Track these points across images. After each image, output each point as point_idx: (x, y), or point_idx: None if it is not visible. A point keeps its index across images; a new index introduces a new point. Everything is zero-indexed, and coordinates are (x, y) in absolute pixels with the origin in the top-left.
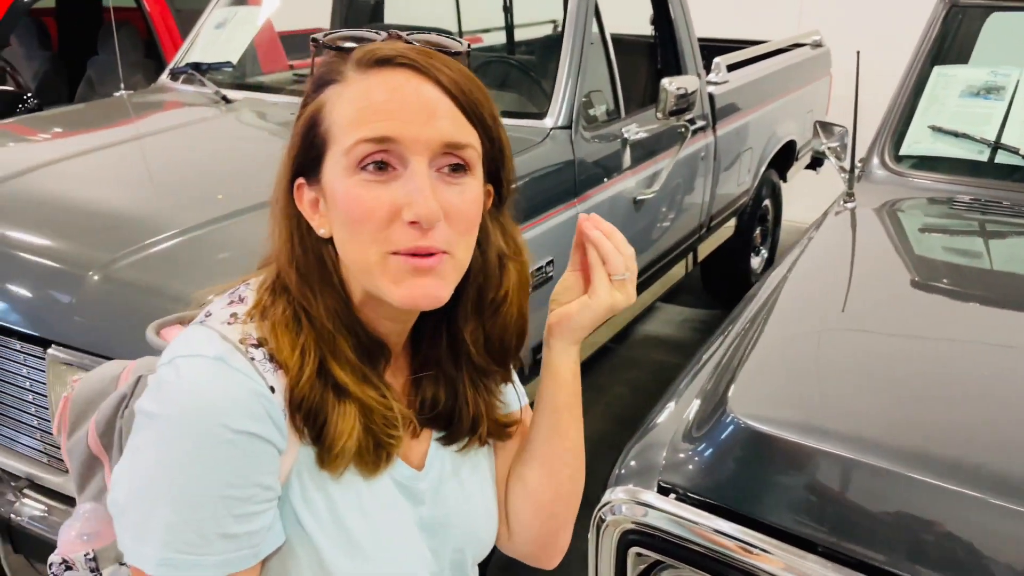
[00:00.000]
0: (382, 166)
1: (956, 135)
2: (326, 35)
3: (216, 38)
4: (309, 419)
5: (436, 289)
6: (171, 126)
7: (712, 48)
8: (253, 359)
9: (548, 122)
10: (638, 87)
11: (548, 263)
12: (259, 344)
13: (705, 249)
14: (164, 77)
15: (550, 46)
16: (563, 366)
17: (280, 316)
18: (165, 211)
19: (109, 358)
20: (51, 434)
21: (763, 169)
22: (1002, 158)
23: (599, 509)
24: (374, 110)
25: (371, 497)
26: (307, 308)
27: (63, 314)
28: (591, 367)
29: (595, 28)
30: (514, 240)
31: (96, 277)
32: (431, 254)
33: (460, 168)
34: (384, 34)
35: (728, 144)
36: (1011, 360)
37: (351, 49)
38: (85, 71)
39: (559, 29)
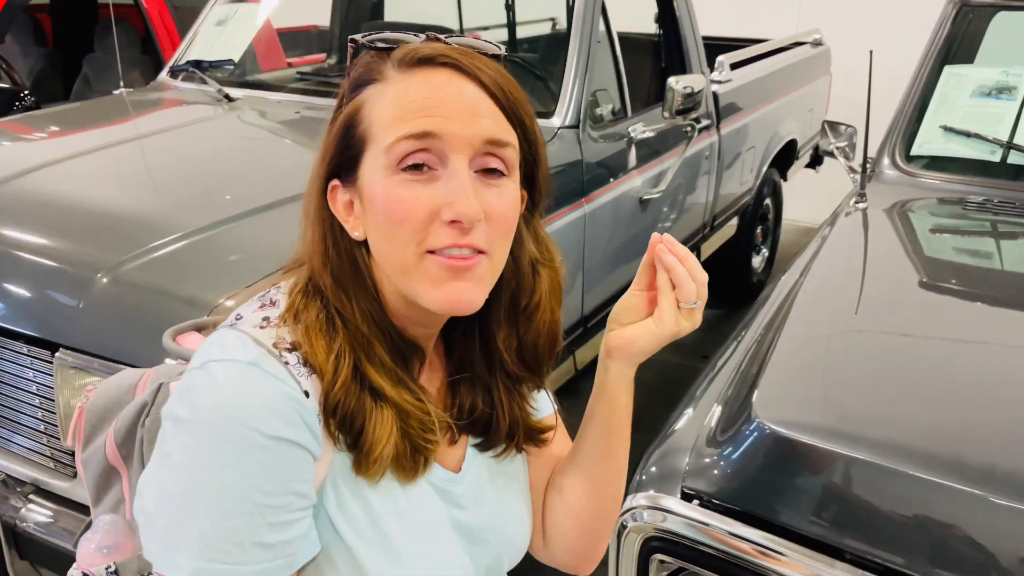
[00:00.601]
0: (421, 167)
1: (968, 135)
2: (366, 35)
3: (217, 36)
4: (345, 425)
5: (472, 293)
6: (175, 125)
7: (714, 47)
8: (287, 363)
9: (556, 121)
10: (643, 86)
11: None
12: (293, 348)
13: (708, 248)
14: (164, 75)
15: (555, 44)
16: (620, 389)
17: (314, 320)
18: (174, 212)
19: (118, 361)
20: (57, 439)
21: (765, 168)
22: (1015, 158)
23: (621, 515)
24: (417, 107)
25: (408, 502)
26: (341, 311)
27: (71, 317)
28: (593, 368)
29: (601, 27)
30: (547, 246)
31: (105, 279)
32: (471, 254)
33: (497, 172)
34: (423, 36)
35: (732, 143)
36: None
37: (390, 49)
38: (80, 68)
39: (557, 27)
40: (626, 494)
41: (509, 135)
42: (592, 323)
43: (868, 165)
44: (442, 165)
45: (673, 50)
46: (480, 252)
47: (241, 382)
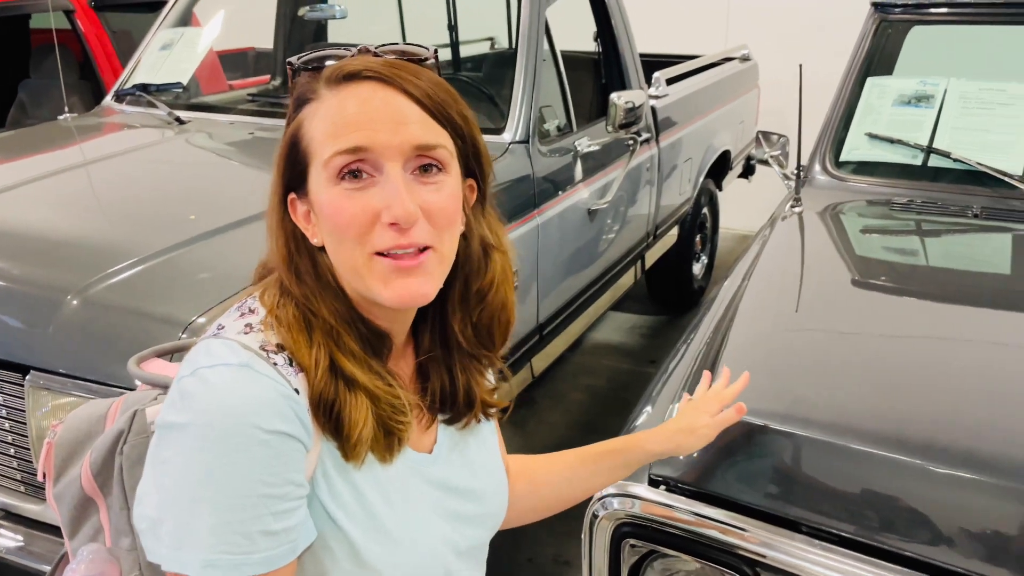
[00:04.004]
0: (359, 174)
1: (891, 141)
2: (300, 57)
3: (162, 60)
4: (327, 413)
5: (422, 287)
6: (128, 148)
7: (649, 63)
8: (276, 364)
9: (506, 137)
10: (586, 102)
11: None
12: (279, 350)
13: (652, 257)
14: (109, 99)
15: (500, 63)
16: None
17: (292, 319)
18: (140, 234)
19: (92, 381)
20: (29, 462)
21: (702, 179)
22: (934, 161)
23: (592, 505)
24: (346, 123)
25: (391, 485)
26: (311, 309)
27: (41, 339)
28: (548, 376)
29: (545, 46)
30: (497, 234)
31: (75, 301)
32: (416, 252)
33: (434, 167)
34: (354, 50)
35: (670, 155)
36: (956, 349)
37: (323, 67)
38: (13, 95)
39: (497, 46)
40: None
41: (438, 137)
42: (547, 331)
43: (801, 171)
44: (378, 172)
45: (613, 67)
46: (425, 248)
47: (236, 383)
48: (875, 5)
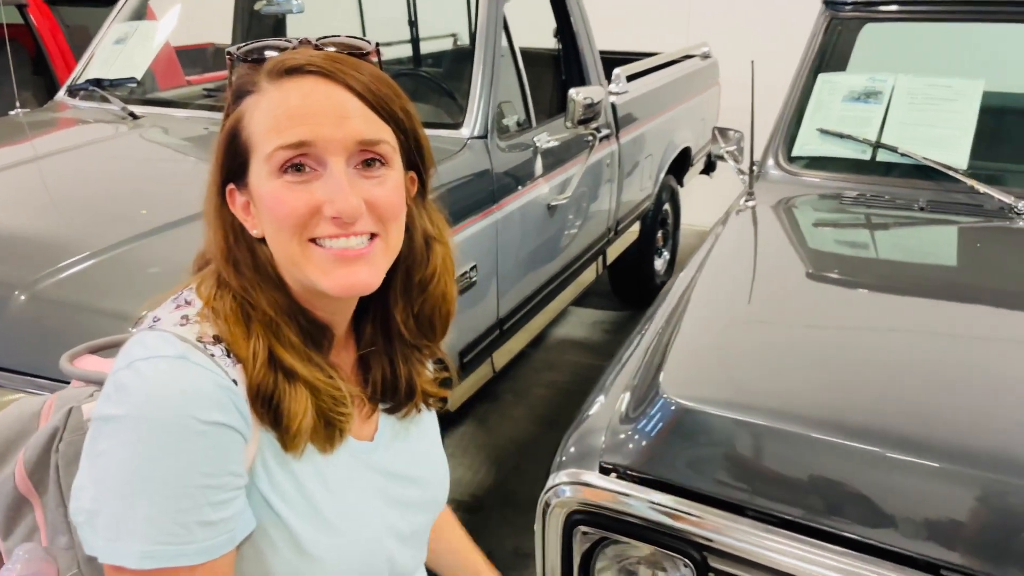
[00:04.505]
0: (301, 168)
1: (841, 136)
2: (240, 48)
3: (116, 54)
4: (266, 404)
5: (367, 276)
6: (79, 144)
7: (609, 60)
8: (213, 355)
9: (465, 132)
10: (546, 98)
11: (471, 268)
12: (216, 341)
13: (613, 252)
14: (62, 94)
15: (460, 59)
16: None
17: (229, 311)
18: (89, 229)
19: (41, 376)
20: None
21: (662, 175)
22: (882, 156)
23: (544, 493)
24: (288, 117)
25: (332, 474)
26: (249, 301)
27: None
28: (511, 372)
29: (504, 42)
30: (438, 224)
31: (23, 297)
32: (365, 243)
33: (377, 162)
34: (295, 42)
35: (631, 151)
36: (902, 337)
37: (263, 60)
38: None
39: (459, 43)
40: (547, 475)
41: (380, 132)
42: (507, 325)
43: (755, 166)
44: (321, 166)
45: (572, 63)
46: (375, 235)
47: (172, 374)
48: (826, 3)
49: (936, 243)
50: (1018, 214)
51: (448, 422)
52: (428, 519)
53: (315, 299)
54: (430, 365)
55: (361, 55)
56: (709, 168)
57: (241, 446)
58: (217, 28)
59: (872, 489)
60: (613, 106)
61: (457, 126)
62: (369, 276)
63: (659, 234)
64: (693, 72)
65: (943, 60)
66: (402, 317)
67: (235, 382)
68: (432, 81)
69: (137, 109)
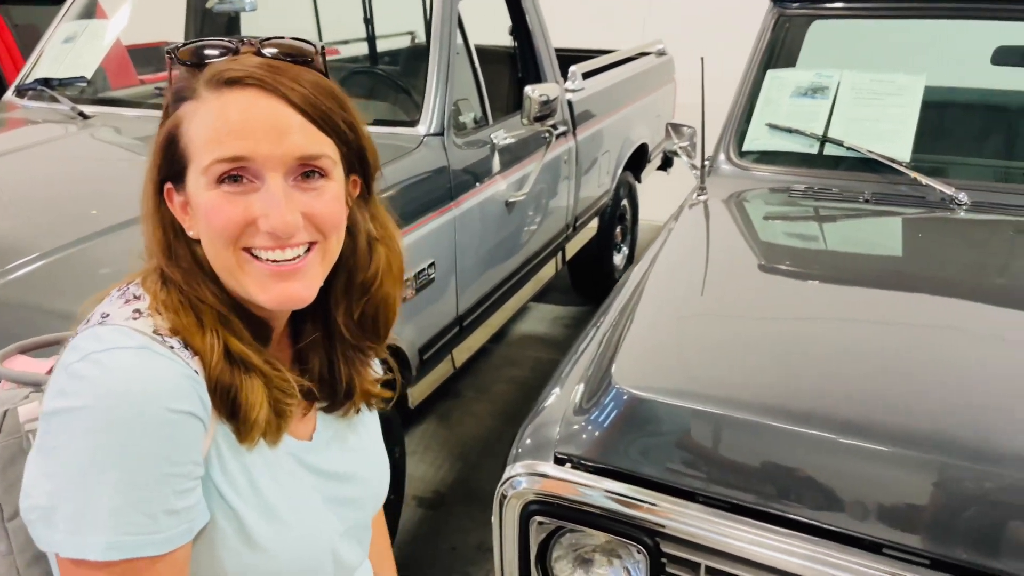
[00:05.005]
0: (239, 179)
1: (790, 131)
2: (179, 48)
3: (65, 53)
4: (224, 397)
5: (302, 291)
6: (27, 144)
7: (565, 58)
8: (172, 347)
9: (421, 129)
10: (502, 95)
11: (429, 265)
12: (172, 334)
13: (572, 248)
14: (9, 94)
15: (415, 57)
16: None
17: (179, 305)
18: (39, 230)
19: None
20: None
21: (620, 171)
22: (829, 150)
23: (501, 485)
24: (227, 131)
25: (278, 467)
26: (197, 295)
27: None
28: (472, 368)
29: (459, 40)
30: (384, 226)
31: None
32: (301, 256)
33: (316, 174)
34: (236, 42)
35: (587, 148)
36: (847, 326)
37: (203, 65)
38: None
39: (417, 41)
40: (503, 467)
41: (321, 146)
42: (467, 322)
43: (706, 161)
44: (259, 179)
45: (528, 61)
46: (312, 246)
47: (137, 364)
48: (774, 0)
49: (881, 234)
50: (959, 204)
51: (409, 419)
52: (366, 515)
53: (251, 303)
54: (377, 366)
55: (305, 61)
56: (666, 164)
57: (202, 435)
58: (170, 26)
59: (817, 472)
60: (569, 103)
61: (413, 123)
62: (304, 290)
63: (617, 230)
64: (648, 69)
65: (890, 56)
66: (344, 318)
67: (196, 372)
68: (388, 79)
69: (87, 109)
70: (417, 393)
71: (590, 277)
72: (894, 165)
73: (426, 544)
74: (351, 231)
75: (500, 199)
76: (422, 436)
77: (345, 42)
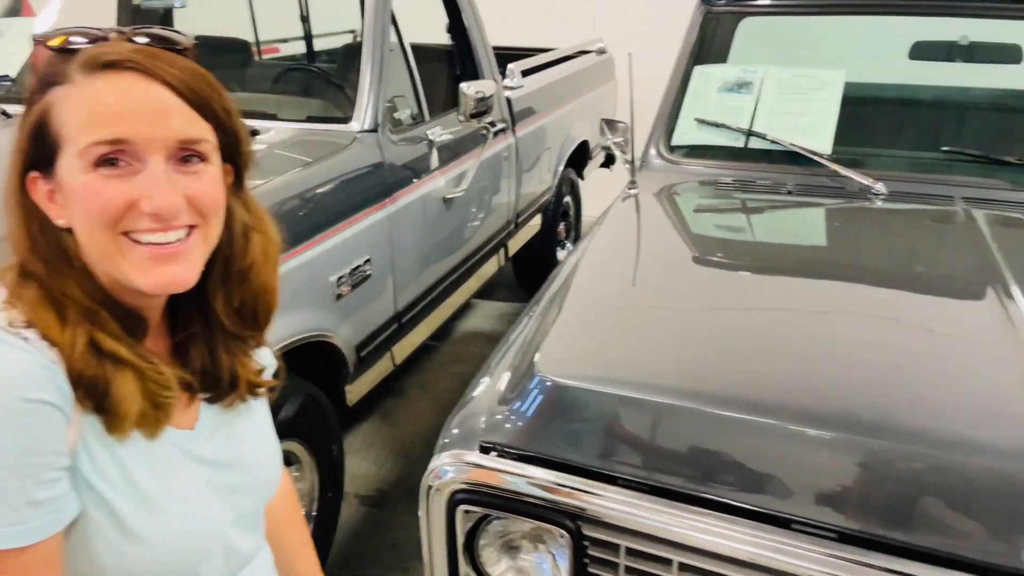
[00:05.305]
0: (116, 162)
1: (716, 125)
2: (47, 33)
3: None
4: (90, 390)
5: (184, 275)
6: None
7: (506, 56)
8: (27, 339)
9: (354, 126)
10: (440, 93)
11: (365, 262)
12: (28, 326)
13: (515, 245)
14: None
15: (351, 54)
16: None
17: (37, 299)
18: None
19: None
20: None
21: (561, 168)
22: (755, 143)
23: (426, 476)
24: (106, 114)
25: (155, 456)
26: (61, 290)
27: None
28: (416, 365)
29: (394, 37)
30: (257, 214)
31: None
32: (182, 239)
33: (196, 158)
34: (106, 31)
35: (528, 145)
36: (766, 313)
37: (73, 51)
38: None
39: (359, 39)
40: (431, 457)
41: (200, 131)
42: (406, 319)
43: (636, 157)
44: (138, 162)
45: (465, 58)
46: (192, 229)
47: None
48: None
49: (803, 224)
50: (876, 195)
51: (352, 418)
52: (257, 503)
53: (127, 291)
54: (264, 354)
55: (177, 50)
56: (609, 161)
57: (63, 425)
58: (100, 23)
59: (729, 453)
60: (508, 100)
61: (346, 120)
62: (186, 273)
63: (561, 226)
64: (589, 67)
65: (818, 52)
66: (223, 307)
67: (53, 362)
68: (323, 76)
69: (11, 108)
70: (356, 391)
71: (534, 273)
72: (815, 157)
73: (367, 541)
74: (225, 220)
75: (438, 195)
76: (365, 434)
77: (285, 40)
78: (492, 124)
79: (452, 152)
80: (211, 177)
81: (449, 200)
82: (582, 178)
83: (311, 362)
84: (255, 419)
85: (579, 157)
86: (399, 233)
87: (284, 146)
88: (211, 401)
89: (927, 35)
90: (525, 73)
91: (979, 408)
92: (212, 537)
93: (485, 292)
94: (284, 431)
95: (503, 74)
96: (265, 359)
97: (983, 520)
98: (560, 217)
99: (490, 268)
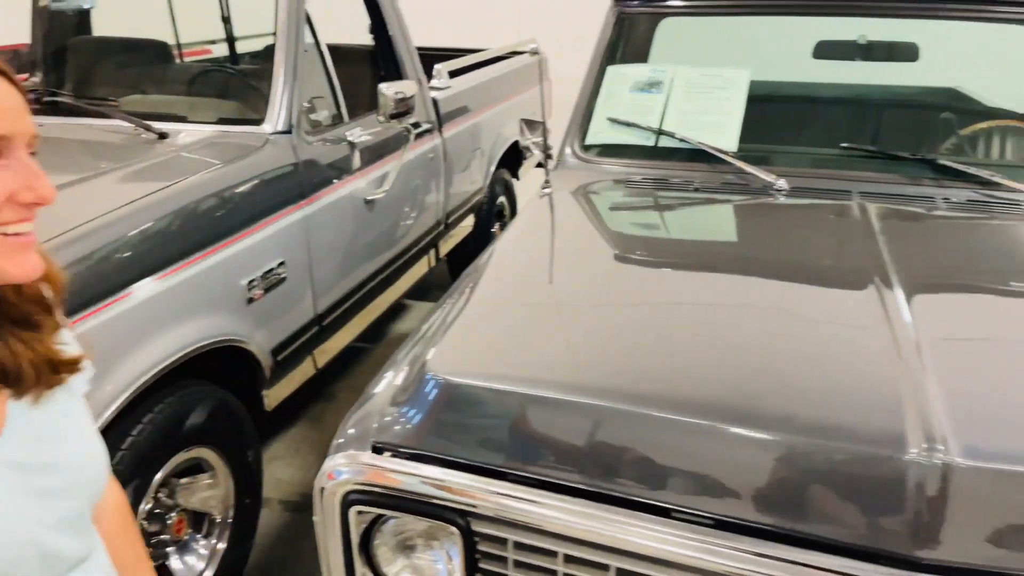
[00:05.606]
0: None
1: (628, 124)
2: None
3: None
4: None
5: (40, 263)
6: None
7: (437, 57)
8: None
9: (267, 128)
10: (365, 94)
11: (279, 264)
12: None
13: (447, 245)
14: None
15: (267, 56)
16: None
17: None
18: None
19: None
20: None
21: (493, 168)
22: (664, 142)
23: (319, 477)
24: None
25: None
26: None
27: None
28: (346, 368)
29: (314, 39)
30: None
31: None
32: (31, 229)
33: (33, 154)
34: None
35: (456, 145)
36: (664, 309)
37: None
38: None
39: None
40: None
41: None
42: (327, 321)
43: (553, 155)
44: (9, 156)
45: (388, 59)
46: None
47: None
48: None
49: (707, 221)
50: (779, 191)
51: (279, 422)
52: (80, 504)
53: None
54: (67, 337)
55: None
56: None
57: None
58: (15, 28)
59: (609, 444)
60: (435, 101)
61: (259, 122)
62: (40, 262)
63: (496, 226)
64: (521, 68)
65: (735, 52)
66: (11, 295)
67: None
68: (239, 78)
69: None
70: (275, 396)
71: None
72: (720, 155)
73: (289, 546)
74: None
75: (359, 197)
76: (292, 439)
77: (212, 42)
78: (416, 125)
79: (374, 153)
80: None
81: (371, 201)
82: (517, 178)
83: (224, 367)
84: (72, 419)
85: (513, 157)
86: (317, 235)
87: (193, 149)
88: (17, 396)
89: (831, 35)
90: (454, 74)
91: (842, 395)
92: (23, 541)
93: (419, 293)
94: (193, 438)
95: (429, 75)
96: (67, 338)
97: (855, 504)
98: (495, 217)
99: (420, 269)
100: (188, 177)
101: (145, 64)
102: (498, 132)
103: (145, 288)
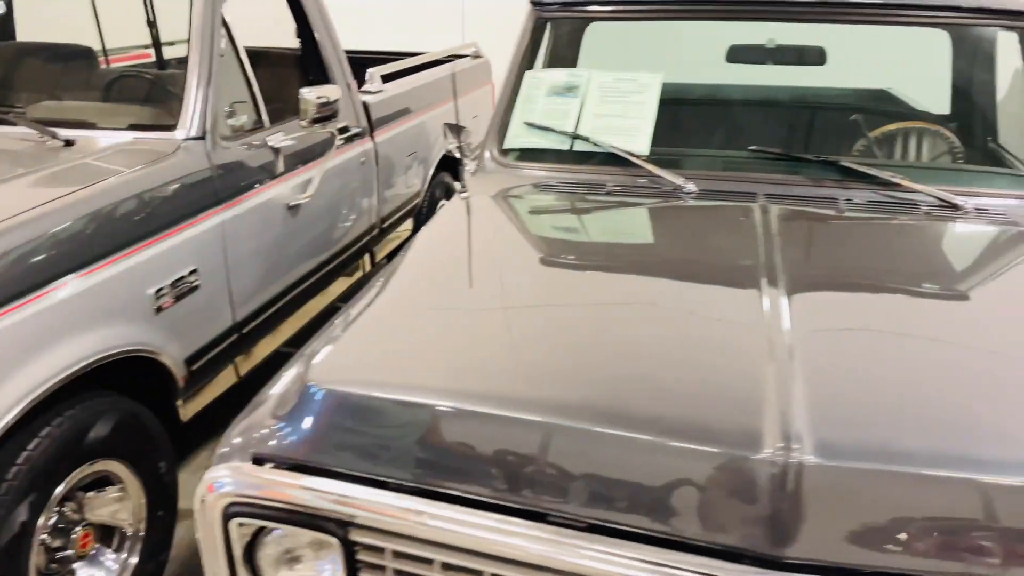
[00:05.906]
0: None
1: (544, 129)
2: None
3: None
4: None
5: None
6: None
7: (373, 60)
8: None
9: (179, 134)
10: (293, 98)
11: (191, 272)
12: None
13: (384, 249)
14: None
15: (181, 61)
16: None
17: None
18: None
19: None
20: None
21: (432, 172)
22: (580, 146)
23: (199, 489)
24: None
25: None
26: None
27: None
28: (260, 375)
29: (226, 43)
30: None
31: None
32: None
33: None
34: None
35: (389, 149)
36: (569, 312)
37: None
38: None
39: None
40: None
41: None
42: (248, 329)
43: (470, 159)
44: None
45: (315, 64)
46: None
47: None
48: (532, 3)
49: (617, 224)
50: (687, 193)
51: (205, 432)
52: None
53: None
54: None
55: None
56: None
57: None
58: None
59: (485, 450)
60: (366, 105)
61: (172, 127)
62: None
63: None
64: (462, 71)
65: (658, 56)
66: None
67: None
68: (153, 83)
69: None
70: (191, 406)
71: None
72: (631, 158)
73: None
74: None
75: (281, 202)
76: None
77: (148, 47)
78: (345, 129)
79: (297, 158)
80: None
81: (295, 207)
82: (458, 181)
83: (133, 378)
84: None
85: (453, 161)
86: (234, 242)
87: (101, 156)
88: None
89: (742, 39)
90: (389, 77)
91: (710, 396)
92: None
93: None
94: (98, 451)
95: (361, 79)
96: None
97: (718, 505)
98: None
99: (354, 273)
100: (89, 185)
101: (64, 70)
102: (437, 135)
103: (38, 301)
